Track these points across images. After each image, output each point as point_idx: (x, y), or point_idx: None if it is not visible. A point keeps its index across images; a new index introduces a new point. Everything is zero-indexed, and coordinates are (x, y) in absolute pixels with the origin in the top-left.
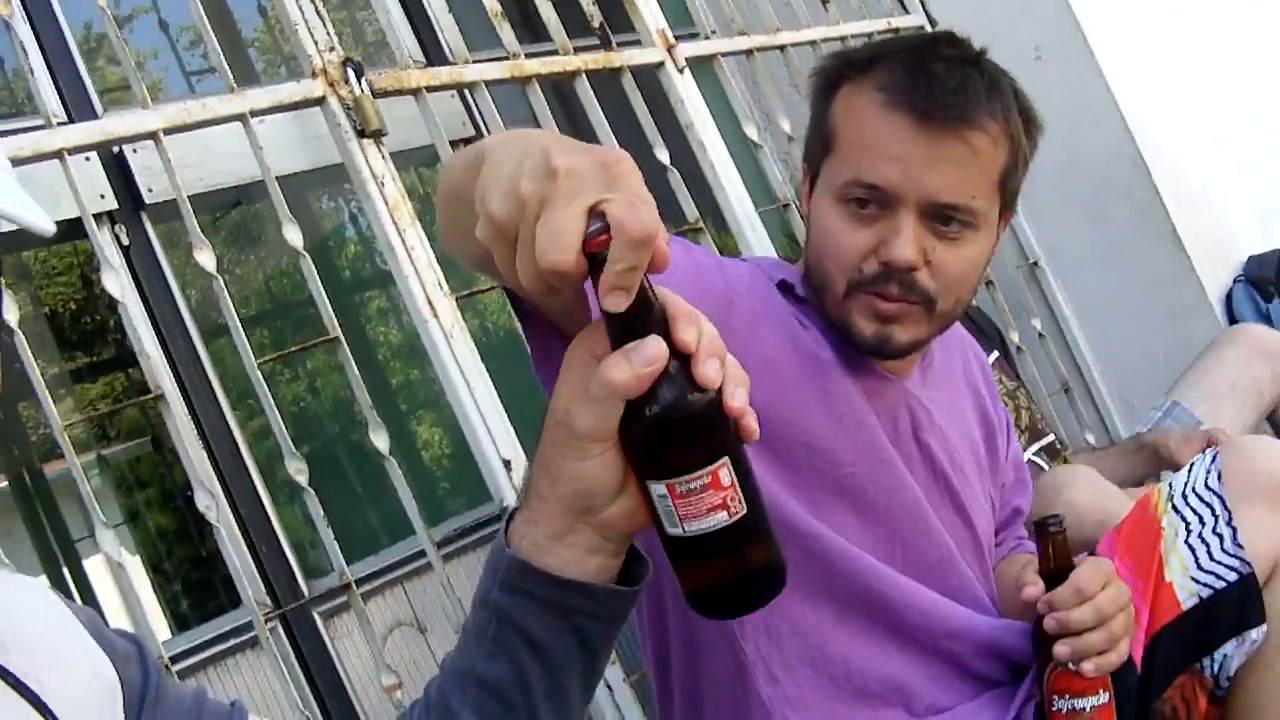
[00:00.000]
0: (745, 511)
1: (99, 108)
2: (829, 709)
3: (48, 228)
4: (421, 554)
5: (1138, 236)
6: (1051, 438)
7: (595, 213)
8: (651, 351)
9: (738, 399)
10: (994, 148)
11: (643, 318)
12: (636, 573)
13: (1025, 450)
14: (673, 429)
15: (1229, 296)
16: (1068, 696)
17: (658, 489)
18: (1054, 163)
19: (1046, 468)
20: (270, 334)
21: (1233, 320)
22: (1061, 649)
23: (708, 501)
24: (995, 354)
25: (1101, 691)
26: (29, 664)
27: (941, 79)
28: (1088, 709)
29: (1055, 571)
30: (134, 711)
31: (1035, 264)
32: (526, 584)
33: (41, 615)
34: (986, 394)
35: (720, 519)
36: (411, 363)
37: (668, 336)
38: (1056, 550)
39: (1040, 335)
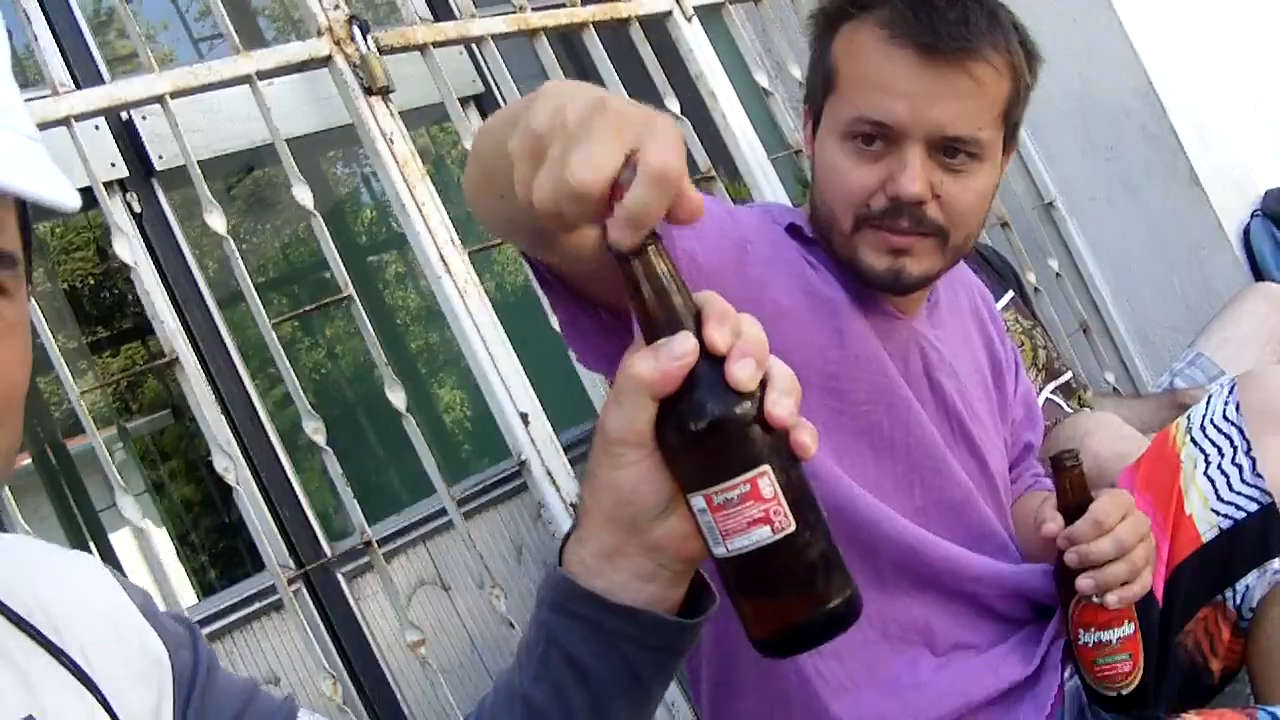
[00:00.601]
0: (794, 529)
1: (107, 78)
2: (859, 658)
3: (70, 203)
4: (443, 512)
5: (1153, 174)
6: (1069, 376)
7: (631, 163)
8: (679, 346)
9: (780, 408)
10: (998, 78)
11: (676, 315)
12: (702, 606)
13: (1042, 389)
14: (703, 432)
15: (1246, 231)
16: (1093, 629)
17: (698, 502)
18: (1068, 101)
19: (1064, 406)
20: (287, 300)
21: (1250, 255)
22: (1084, 582)
23: (747, 514)
24: (1010, 294)
25: (1126, 623)
26: (80, 643)
27: (943, 11)
28: (1114, 640)
29: (1073, 506)
30: (183, 695)
31: (1051, 204)
32: (573, 605)
33: (94, 593)
34: (994, 332)
35: (763, 534)
36: (429, 327)
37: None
38: (1074, 485)
39: (1057, 275)
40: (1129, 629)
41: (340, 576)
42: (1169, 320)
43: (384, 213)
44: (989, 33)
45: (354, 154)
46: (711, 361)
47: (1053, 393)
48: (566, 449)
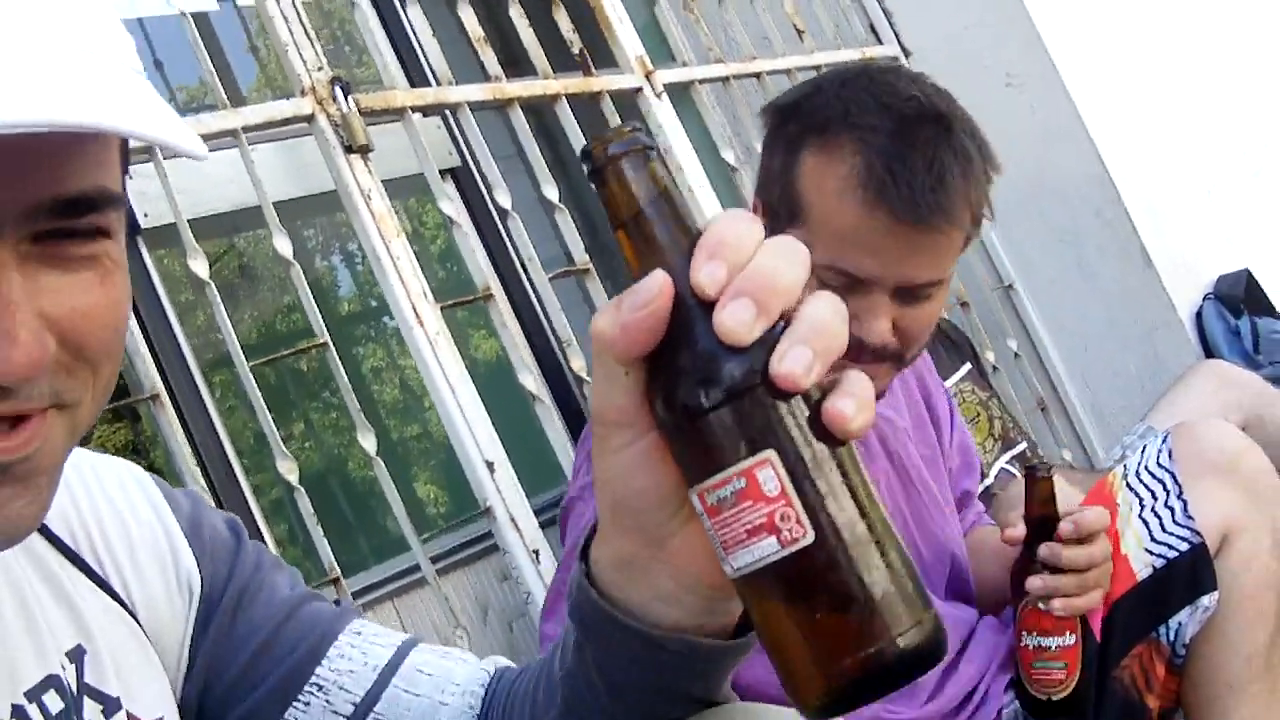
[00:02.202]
0: (811, 539)
1: None
2: None
3: (200, 151)
4: (414, 569)
5: (1109, 257)
6: (1024, 446)
7: None
8: (644, 291)
9: (789, 361)
10: (966, 227)
11: (663, 248)
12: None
13: (997, 459)
14: (683, 404)
15: (1199, 314)
16: (1036, 634)
17: (696, 503)
18: (1026, 187)
19: (1018, 475)
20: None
21: (1203, 337)
22: (1034, 582)
23: (745, 520)
24: (968, 365)
25: (1068, 634)
26: (119, 568)
27: (920, 177)
28: (1053, 647)
29: (1039, 516)
30: (204, 614)
31: (1010, 286)
32: (589, 619)
33: (135, 509)
34: (932, 386)
35: (767, 548)
36: (409, 417)
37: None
38: (1043, 495)
39: (1015, 355)
40: (1069, 639)
41: None
42: (1124, 398)
43: (360, 279)
44: (963, 189)
45: (335, 227)
46: (706, 308)
47: (1009, 463)
48: (536, 512)
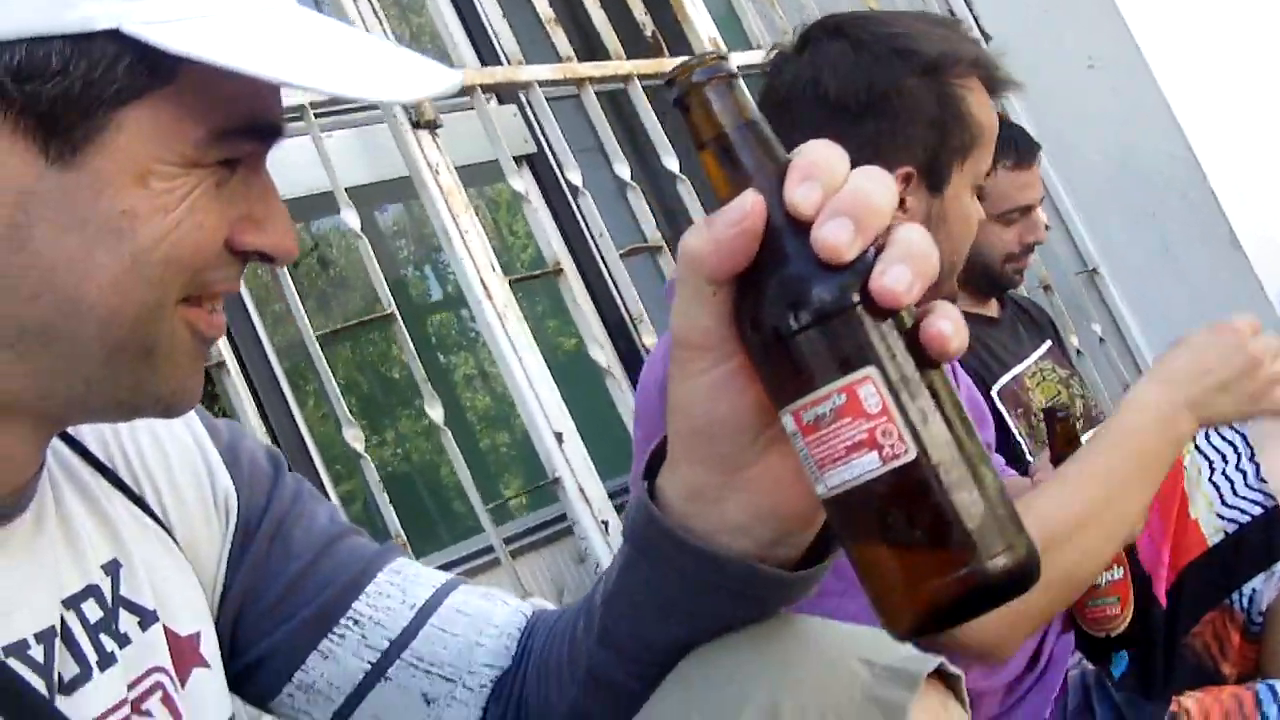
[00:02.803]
0: (912, 455)
1: None
2: None
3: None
4: (487, 549)
5: (1195, 239)
6: None
7: None
8: (735, 211)
9: (889, 278)
10: None
11: (751, 172)
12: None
13: (1081, 435)
14: (780, 322)
15: None
16: None
17: (788, 423)
18: (1109, 169)
19: None
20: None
21: None
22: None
23: (845, 436)
24: (1048, 343)
25: (1116, 567)
26: (157, 488)
27: None
28: (1103, 584)
29: (1065, 455)
30: (239, 542)
31: (1094, 270)
32: (648, 540)
33: (173, 435)
34: None
35: (868, 464)
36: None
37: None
38: (1067, 435)
39: (1100, 340)
40: (1118, 573)
41: None
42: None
43: (439, 267)
44: None
45: (413, 225)
46: (799, 230)
47: None
48: (610, 495)
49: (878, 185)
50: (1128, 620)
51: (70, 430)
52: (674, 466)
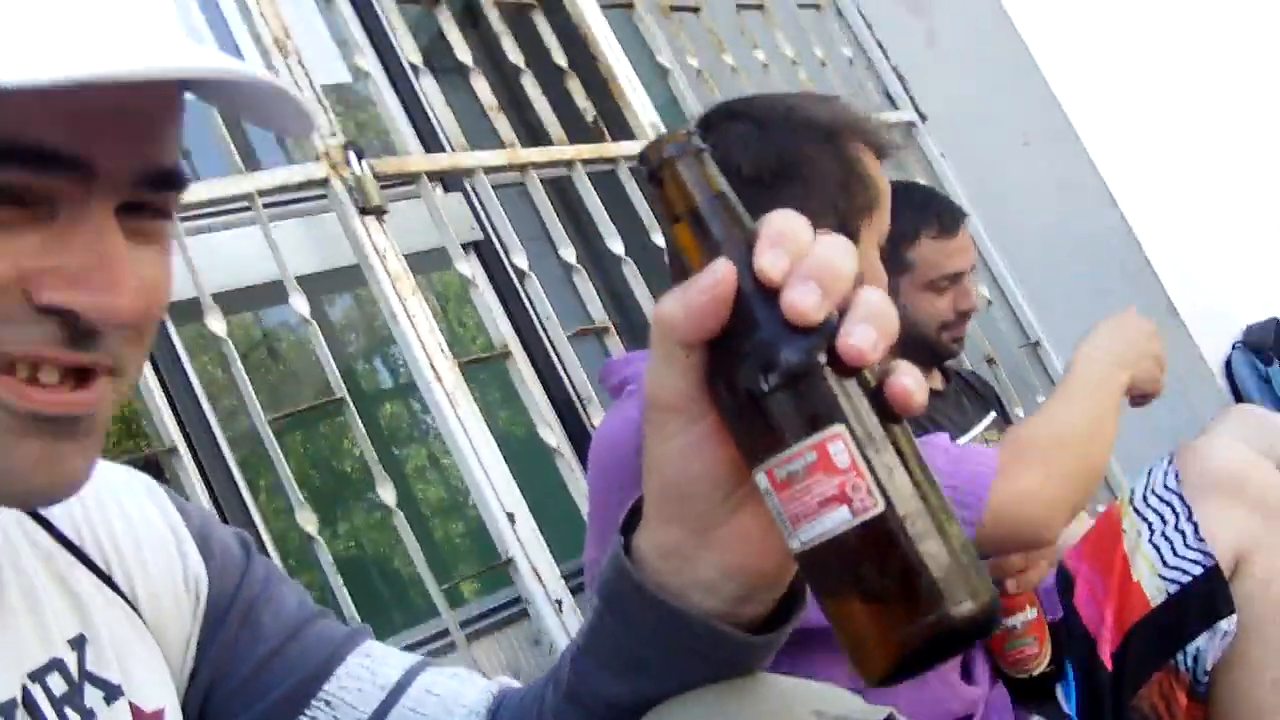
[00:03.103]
0: (881, 508)
1: None
2: None
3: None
4: (443, 634)
5: (1135, 309)
6: None
7: None
8: (708, 278)
9: (855, 337)
10: None
11: (722, 242)
12: (789, 610)
13: None
14: (752, 383)
15: (1229, 363)
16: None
17: (761, 481)
18: (1048, 243)
19: None
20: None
21: (1234, 386)
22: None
23: (816, 491)
24: (992, 414)
25: (1028, 608)
26: (126, 568)
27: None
28: (1018, 625)
29: None
30: (210, 626)
31: (1037, 343)
32: (620, 597)
33: (145, 516)
34: None
35: (840, 518)
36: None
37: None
38: None
39: None
40: (1031, 614)
41: None
42: (1157, 450)
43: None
44: None
45: (356, 297)
46: (768, 295)
47: None
48: (565, 577)
49: (840, 251)
50: (1046, 658)
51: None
52: (649, 524)
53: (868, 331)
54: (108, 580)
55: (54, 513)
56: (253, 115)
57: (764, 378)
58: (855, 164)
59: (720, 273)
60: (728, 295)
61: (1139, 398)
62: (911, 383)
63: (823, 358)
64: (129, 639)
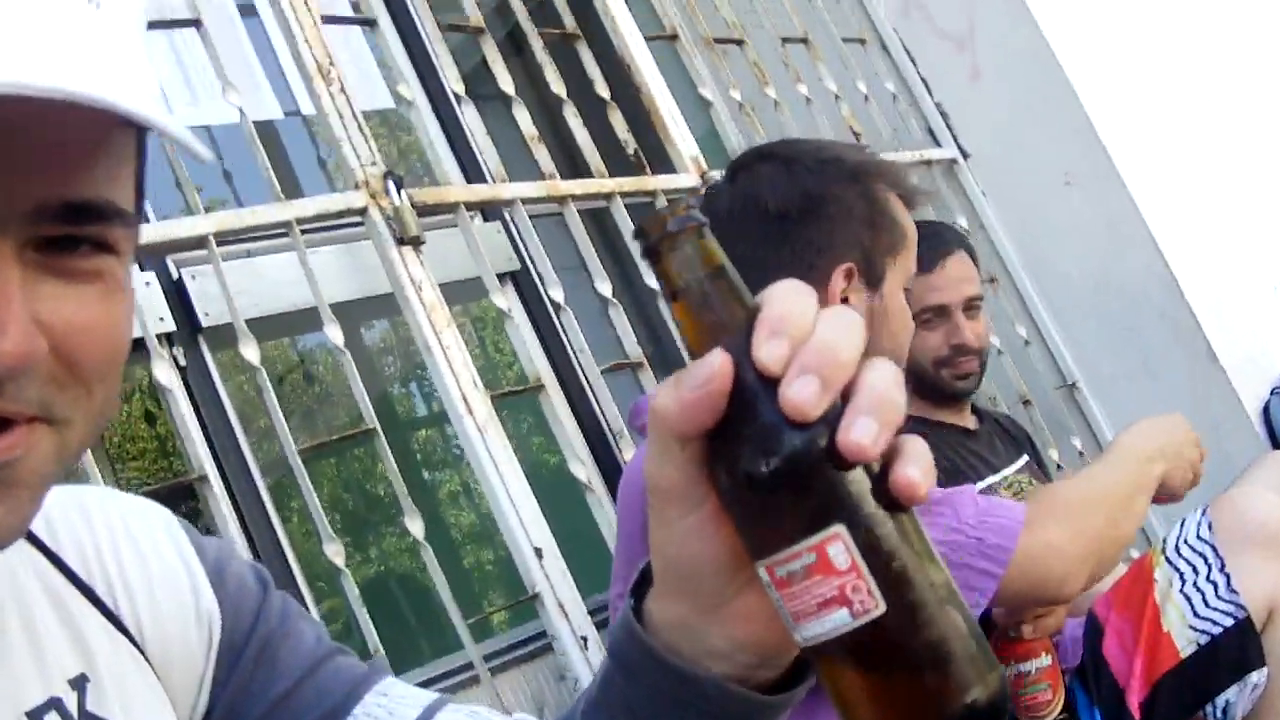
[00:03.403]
0: (882, 610)
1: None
2: None
3: (198, 149)
4: (467, 667)
5: (1173, 354)
6: None
7: None
8: (702, 369)
9: (855, 431)
10: None
11: (722, 326)
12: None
13: None
14: (748, 481)
15: (1266, 409)
16: (1013, 662)
17: (762, 574)
18: (1087, 284)
19: None
20: (344, 515)
21: (1271, 432)
22: (998, 613)
23: (817, 592)
24: (1025, 458)
25: (1044, 654)
26: (134, 606)
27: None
28: (1033, 671)
29: None
30: (225, 664)
31: (1074, 385)
32: (630, 656)
33: (159, 553)
34: None
35: (839, 619)
36: (482, 543)
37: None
38: None
39: (1080, 454)
40: (1046, 660)
41: None
42: (1193, 496)
43: (409, 384)
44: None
45: (394, 323)
46: (768, 384)
47: None
48: (590, 612)
49: (844, 332)
50: (1059, 706)
51: (48, 543)
52: (657, 596)
53: (868, 425)
54: (114, 620)
55: (66, 549)
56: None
57: (761, 473)
58: (882, 204)
59: (715, 367)
60: (722, 390)
61: (1166, 497)
62: (917, 473)
63: (821, 453)
64: (132, 680)
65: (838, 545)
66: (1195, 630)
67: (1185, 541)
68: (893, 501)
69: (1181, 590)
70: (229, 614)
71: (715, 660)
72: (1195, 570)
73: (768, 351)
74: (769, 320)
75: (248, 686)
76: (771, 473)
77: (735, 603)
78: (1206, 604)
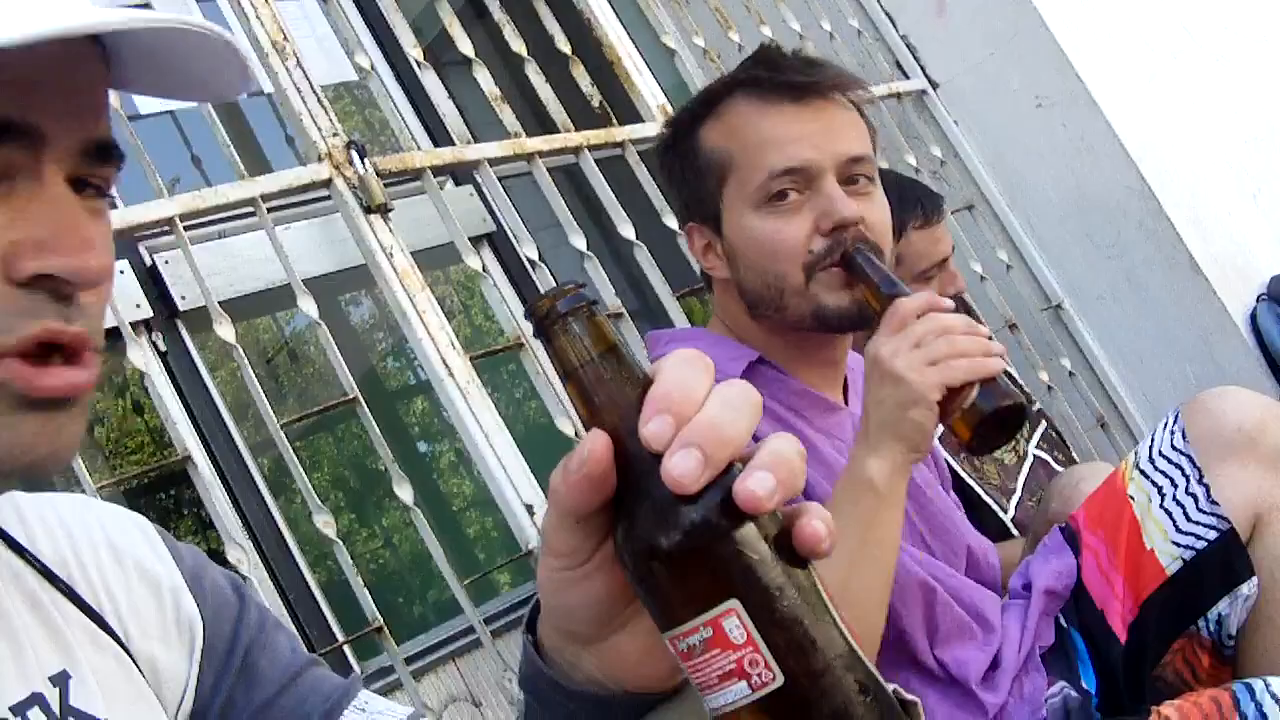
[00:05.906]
0: (780, 682)
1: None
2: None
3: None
4: (470, 630)
5: (1156, 268)
6: (1044, 425)
7: None
8: (579, 452)
9: (752, 482)
10: (857, 110)
11: (603, 403)
12: None
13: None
14: (637, 556)
15: (1254, 316)
16: None
17: (669, 646)
18: (1066, 205)
19: (1051, 461)
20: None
21: (1259, 338)
22: None
23: (715, 665)
24: (1043, 424)
25: None
26: (115, 604)
27: (792, 64)
28: None
29: None
30: (213, 669)
31: (1059, 305)
32: (531, 680)
33: (135, 555)
34: None
35: (739, 691)
36: (483, 510)
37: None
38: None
39: (1070, 374)
40: None
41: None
42: (1169, 399)
43: (401, 355)
44: (834, 70)
45: (371, 295)
46: (656, 460)
47: (1037, 447)
48: None
49: (733, 409)
50: None
51: (23, 542)
52: (543, 624)
53: (764, 479)
54: (96, 618)
55: (42, 550)
56: (182, 82)
57: (651, 550)
58: (695, 148)
59: (590, 451)
60: (599, 471)
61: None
62: (821, 526)
63: (712, 524)
64: (115, 676)
65: (732, 620)
66: (1179, 546)
67: (1160, 453)
68: (795, 557)
69: (1161, 505)
70: (209, 620)
71: (594, 685)
72: (1173, 483)
73: (651, 429)
74: (655, 398)
75: (233, 697)
76: (662, 550)
77: (607, 643)
78: (1188, 518)
